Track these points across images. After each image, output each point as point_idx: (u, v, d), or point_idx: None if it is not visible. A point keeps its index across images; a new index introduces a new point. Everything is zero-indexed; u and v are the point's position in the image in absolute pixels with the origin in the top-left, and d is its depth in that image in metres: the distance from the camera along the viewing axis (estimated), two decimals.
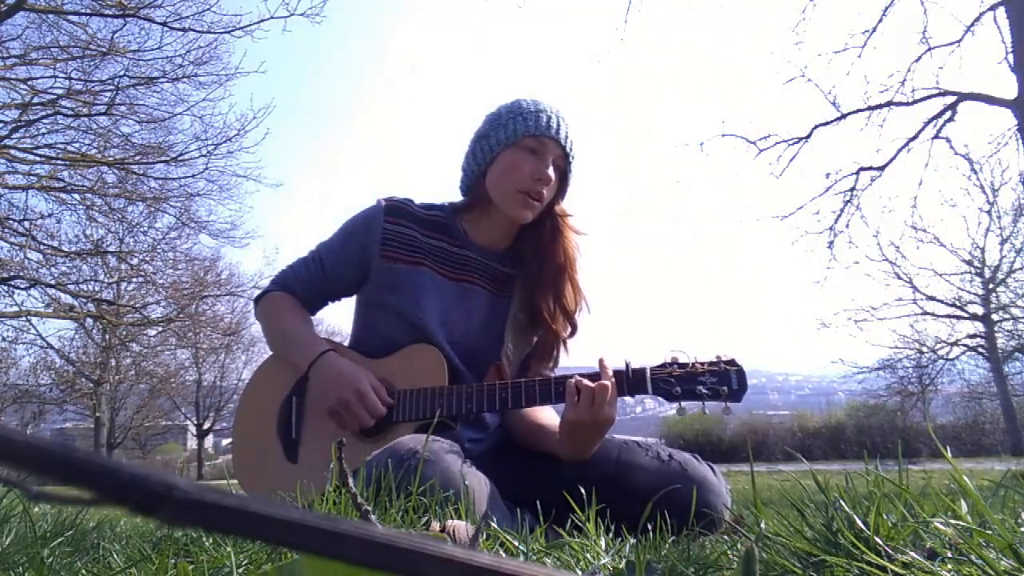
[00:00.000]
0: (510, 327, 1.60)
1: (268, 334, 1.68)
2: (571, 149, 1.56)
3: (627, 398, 1.40)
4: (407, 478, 1.08)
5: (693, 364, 1.39)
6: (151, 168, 10.57)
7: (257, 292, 1.75)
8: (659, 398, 1.38)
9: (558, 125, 1.54)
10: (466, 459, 1.27)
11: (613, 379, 1.35)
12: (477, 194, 1.60)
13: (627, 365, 1.40)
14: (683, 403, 1.39)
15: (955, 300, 15.04)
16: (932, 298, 14.99)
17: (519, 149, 1.52)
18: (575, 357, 1.69)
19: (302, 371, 1.54)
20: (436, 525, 0.91)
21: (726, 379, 1.37)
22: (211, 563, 0.75)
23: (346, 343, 1.68)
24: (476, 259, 1.62)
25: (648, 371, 1.39)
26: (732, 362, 1.38)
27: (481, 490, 1.23)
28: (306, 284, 1.65)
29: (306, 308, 1.67)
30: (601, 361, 1.39)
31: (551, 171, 1.52)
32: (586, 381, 1.34)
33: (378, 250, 1.57)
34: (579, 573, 0.73)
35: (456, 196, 1.68)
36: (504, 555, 0.80)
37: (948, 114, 9.07)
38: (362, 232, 1.60)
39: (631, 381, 1.39)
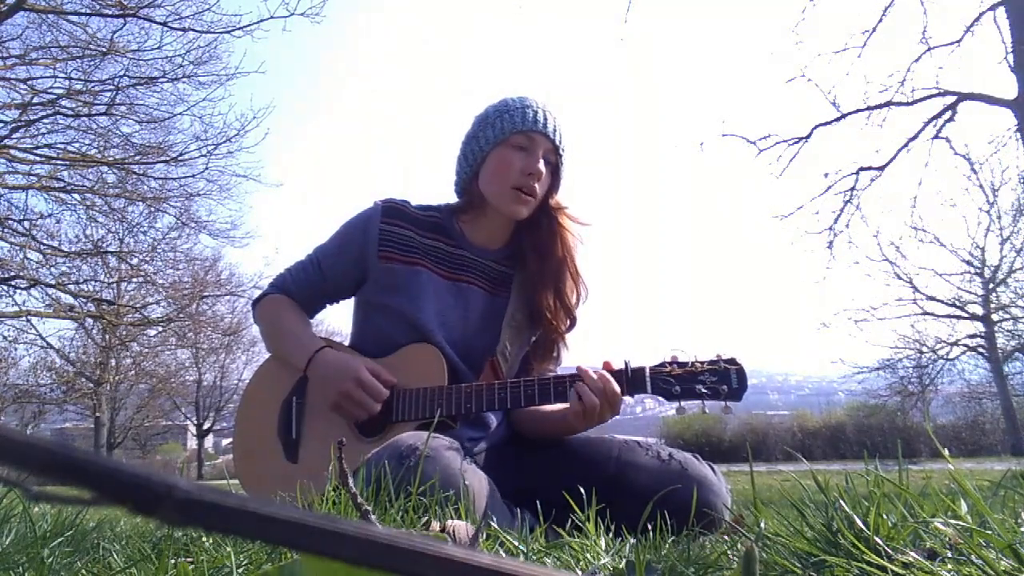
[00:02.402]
0: (507, 325, 1.60)
1: (266, 336, 1.68)
2: (561, 142, 1.56)
3: (627, 398, 1.40)
4: (407, 475, 1.08)
5: (693, 363, 1.39)
6: (151, 168, 10.56)
7: (257, 293, 1.75)
8: (659, 397, 1.38)
9: (545, 119, 1.53)
10: (466, 456, 1.27)
11: (611, 380, 1.37)
12: (471, 195, 1.60)
13: (626, 364, 1.40)
14: (682, 402, 1.39)
15: (955, 300, 15.04)
16: (932, 298, 15.00)
17: (508, 147, 1.53)
18: (576, 356, 1.69)
19: (300, 370, 1.54)
20: (436, 525, 0.91)
21: (726, 378, 1.37)
22: (211, 563, 0.75)
23: (346, 343, 1.68)
24: (473, 259, 1.62)
25: (647, 370, 1.39)
26: (732, 361, 1.38)
27: (481, 489, 1.23)
28: (304, 286, 1.65)
29: (304, 310, 1.67)
30: (606, 364, 1.41)
31: (542, 165, 1.52)
32: (586, 387, 1.36)
33: (375, 251, 1.57)
34: (579, 573, 0.73)
35: (452, 198, 1.68)
36: (504, 555, 0.80)
37: (948, 114, 9.06)
38: (359, 234, 1.60)
39: (630, 380, 1.39)
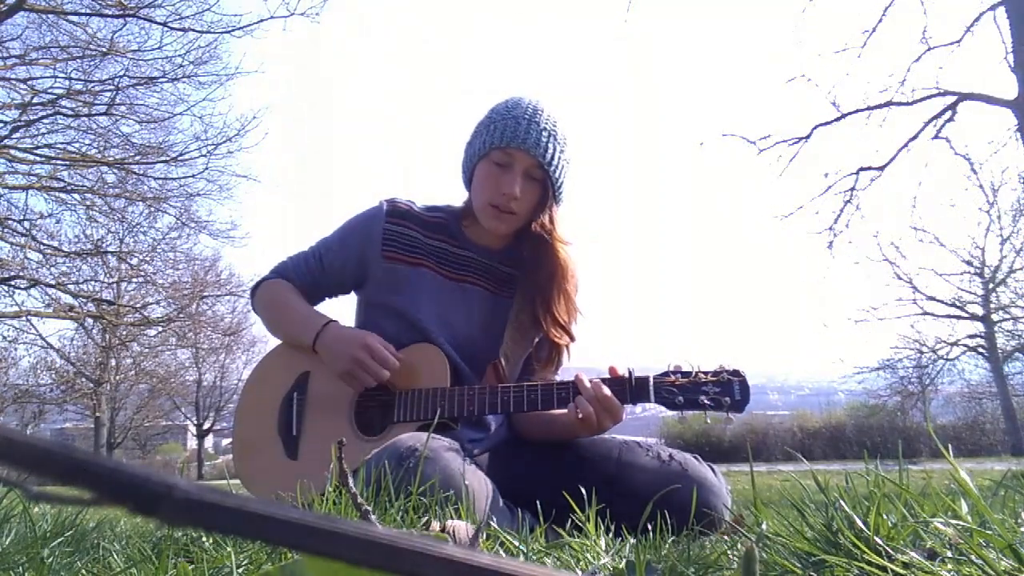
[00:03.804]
0: (511, 327, 1.60)
1: (268, 318, 1.67)
2: (547, 156, 1.46)
3: (629, 406, 1.40)
4: (407, 476, 1.08)
5: (696, 373, 1.38)
6: (151, 168, 10.58)
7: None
8: (661, 407, 1.38)
9: (527, 133, 1.45)
10: (466, 458, 1.27)
11: (603, 388, 1.37)
12: (469, 201, 1.60)
13: (630, 373, 1.40)
14: (685, 412, 1.38)
15: (955, 300, 15.05)
16: (932, 298, 15.01)
17: (489, 162, 1.50)
18: (579, 358, 1.69)
19: (308, 346, 1.53)
20: (436, 525, 0.91)
21: (729, 389, 1.36)
22: (211, 563, 0.75)
23: None
24: (477, 259, 1.62)
25: (651, 380, 1.39)
26: (736, 372, 1.37)
27: (481, 489, 1.23)
28: (304, 277, 1.65)
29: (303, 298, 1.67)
30: (611, 370, 1.41)
31: (517, 187, 1.46)
32: (581, 396, 1.35)
33: (378, 250, 1.57)
34: (579, 573, 0.73)
35: (455, 198, 1.69)
36: (504, 555, 0.80)
37: (948, 114, 9.05)
38: (363, 232, 1.60)
39: (634, 389, 1.39)
